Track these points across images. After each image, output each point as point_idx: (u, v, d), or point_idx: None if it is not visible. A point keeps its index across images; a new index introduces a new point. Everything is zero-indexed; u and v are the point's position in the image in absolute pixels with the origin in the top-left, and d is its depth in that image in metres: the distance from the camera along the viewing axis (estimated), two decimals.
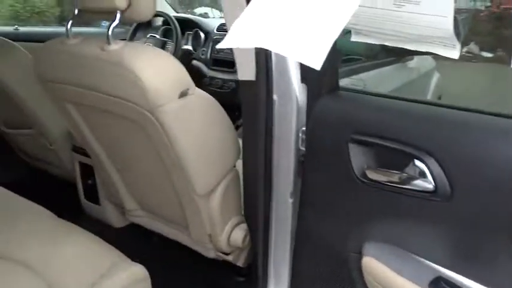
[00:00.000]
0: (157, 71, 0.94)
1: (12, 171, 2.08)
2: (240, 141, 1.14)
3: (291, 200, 1.04)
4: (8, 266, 1.02)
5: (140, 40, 2.20)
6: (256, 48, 0.91)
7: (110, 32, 0.97)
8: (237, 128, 1.83)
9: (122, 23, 1.01)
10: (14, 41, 1.58)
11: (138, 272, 1.01)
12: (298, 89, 0.93)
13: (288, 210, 1.05)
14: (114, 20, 0.96)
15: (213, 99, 1.10)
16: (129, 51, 0.95)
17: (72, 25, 1.05)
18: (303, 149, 0.98)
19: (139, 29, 2.26)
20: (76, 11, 1.03)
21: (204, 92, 1.07)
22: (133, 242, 1.66)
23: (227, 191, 1.19)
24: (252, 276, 1.25)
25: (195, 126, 1.04)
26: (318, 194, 0.95)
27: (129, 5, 0.96)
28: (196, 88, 1.05)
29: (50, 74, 1.10)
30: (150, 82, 0.92)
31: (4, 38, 1.53)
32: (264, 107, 0.99)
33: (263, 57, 0.92)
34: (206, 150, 1.09)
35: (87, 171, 1.59)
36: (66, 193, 1.74)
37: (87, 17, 1.08)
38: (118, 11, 0.96)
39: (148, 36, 2.21)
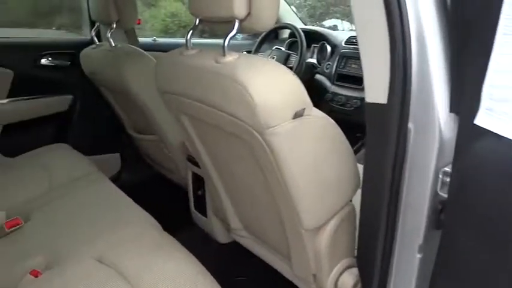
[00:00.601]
0: (271, 87, 0.83)
1: (138, 172, 2.22)
2: (360, 168, 0.97)
3: (418, 256, 0.83)
4: (103, 270, 1.03)
5: (265, 52, 2.16)
6: (391, 66, 0.73)
7: (226, 43, 0.89)
8: (356, 151, 1.64)
9: (241, 32, 0.93)
10: (149, 51, 1.65)
11: None
12: (443, 118, 0.73)
13: (413, 268, 0.84)
14: (231, 30, 0.89)
15: (332, 121, 0.95)
16: (243, 64, 0.86)
17: (192, 35, 1.01)
18: (443, 194, 0.77)
19: (265, 40, 2.23)
20: (197, 21, 0.99)
21: (322, 113, 0.93)
22: (235, 260, 1.59)
23: (339, 229, 1.02)
24: None
25: (308, 151, 0.90)
26: (463, 259, 0.72)
27: (249, 14, 0.88)
28: (314, 108, 0.92)
29: (166, 85, 1.09)
30: (262, 100, 0.81)
31: (135, 47, 1.61)
32: (395, 135, 0.80)
33: (400, 77, 0.74)
34: (319, 180, 0.94)
35: (198, 182, 1.58)
36: (180, 198, 1.76)
37: (208, 27, 1.04)
38: (237, 20, 0.88)
39: (273, 48, 2.15)
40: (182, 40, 2.85)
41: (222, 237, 1.58)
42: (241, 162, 1.07)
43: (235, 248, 1.54)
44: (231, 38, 0.90)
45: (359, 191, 0.95)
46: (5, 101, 1.86)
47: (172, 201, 1.83)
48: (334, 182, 0.97)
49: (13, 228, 1.27)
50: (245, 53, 1.91)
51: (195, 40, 1.02)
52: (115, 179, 2.18)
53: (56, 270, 1.08)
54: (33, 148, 1.86)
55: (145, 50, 1.62)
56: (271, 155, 0.88)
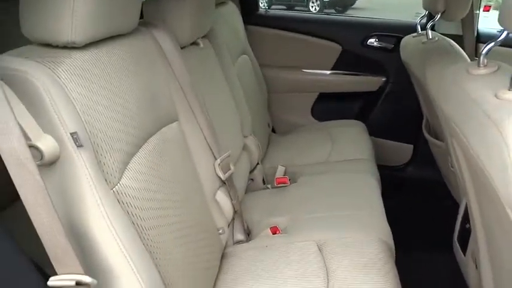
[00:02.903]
0: None
1: (424, 170, 2.06)
2: None
3: None
4: (317, 267, 1.07)
5: None
6: None
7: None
8: None
9: None
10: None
11: None
12: None
13: None
14: None
15: None
16: None
17: None
18: None
19: None
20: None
21: None
22: None
23: None
24: None
25: None
26: None
27: None
28: None
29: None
30: None
31: (452, 43, 1.41)
32: None
33: None
34: None
35: (467, 215, 1.32)
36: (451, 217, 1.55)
37: None
38: None
39: None
40: None
41: (471, 282, 1.30)
42: (499, 226, 0.81)
43: None
44: None
45: None
46: (328, 72, 2.11)
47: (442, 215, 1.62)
48: None
49: (280, 185, 1.50)
50: None
51: None
52: (401, 170, 2.13)
53: (286, 236, 1.22)
54: (336, 118, 2.06)
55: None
56: None
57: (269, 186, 1.56)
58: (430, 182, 1.93)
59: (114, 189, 0.75)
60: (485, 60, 0.79)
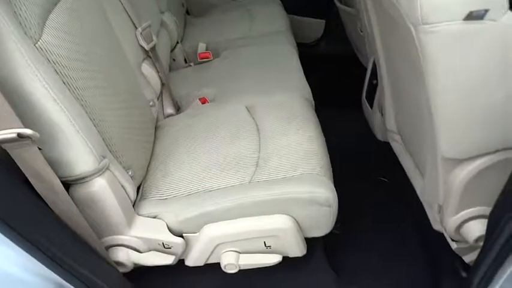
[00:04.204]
0: None
1: (336, 45, 2.18)
2: None
3: None
4: (248, 125, 1.15)
5: None
6: None
7: None
8: None
9: None
10: None
11: (323, 196, 0.92)
12: None
13: None
14: None
15: None
16: None
17: None
18: None
19: None
20: None
21: None
22: (383, 160, 1.53)
23: (483, 173, 0.84)
24: (472, 280, 0.95)
25: (471, 69, 0.71)
26: None
27: None
28: (509, 12, 0.68)
29: None
30: None
31: None
32: None
33: None
34: (474, 106, 0.75)
35: (376, 71, 1.48)
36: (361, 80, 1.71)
37: None
38: None
39: None
40: None
41: (380, 135, 1.51)
42: (402, 58, 0.93)
43: (390, 149, 1.47)
44: None
45: None
46: None
47: (354, 80, 1.78)
48: (495, 115, 0.76)
49: (204, 60, 1.50)
50: None
51: None
52: (313, 45, 2.22)
53: (216, 104, 1.27)
54: None
55: None
56: (422, 58, 0.74)
57: (191, 64, 1.56)
58: (342, 56, 2.07)
59: (37, 45, 0.72)
60: None
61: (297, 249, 0.96)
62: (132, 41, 1.12)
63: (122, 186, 0.88)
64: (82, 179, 0.80)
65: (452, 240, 1.01)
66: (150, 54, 1.19)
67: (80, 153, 0.77)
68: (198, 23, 1.87)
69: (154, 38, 1.21)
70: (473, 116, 0.77)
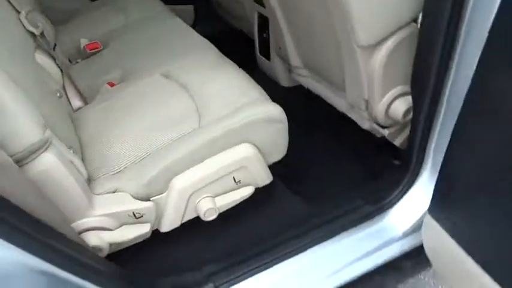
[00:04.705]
0: None
1: (210, 26, 2.25)
2: None
3: None
4: (170, 85, 1.12)
5: None
6: None
7: None
8: None
9: None
10: None
11: (275, 111, 0.97)
12: None
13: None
14: None
15: None
16: None
17: None
18: None
19: None
20: None
21: None
22: (296, 102, 1.64)
23: (396, 51, 0.98)
24: (407, 161, 1.08)
25: None
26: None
27: None
28: None
29: None
30: None
31: None
32: None
33: None
34: None
35: (264, 24, 1.57)
36: (247, 48, 1.79)
37: None
38: None
39: None
40: None
41: (284, 81, 1.61)
42: None
43: (297, 91, 1.58)
44: None
45: None
46: None
47: (239, 50, 1.86)
48: None
49: (94, 51, 1.41)
50: None
51: None
52: None
53: (130, 82, 1.21)
54: None
55: None
56: None
57: (79, 60, 1.44)
58: (220, 34, 2.13)
59: None
60: None
61: (264, 176, 0.99)
62: (19, 27, 1.00)
63: (71, 162, 0.79)
64: (30, 156, 0.70)
65: (384, 127, 1.14)
66: (41, 41, 1.07)
67: (20, 122, 0.67)
68: (69, 28, 1.74)
69: (40, 24, 1.10)
70: None
